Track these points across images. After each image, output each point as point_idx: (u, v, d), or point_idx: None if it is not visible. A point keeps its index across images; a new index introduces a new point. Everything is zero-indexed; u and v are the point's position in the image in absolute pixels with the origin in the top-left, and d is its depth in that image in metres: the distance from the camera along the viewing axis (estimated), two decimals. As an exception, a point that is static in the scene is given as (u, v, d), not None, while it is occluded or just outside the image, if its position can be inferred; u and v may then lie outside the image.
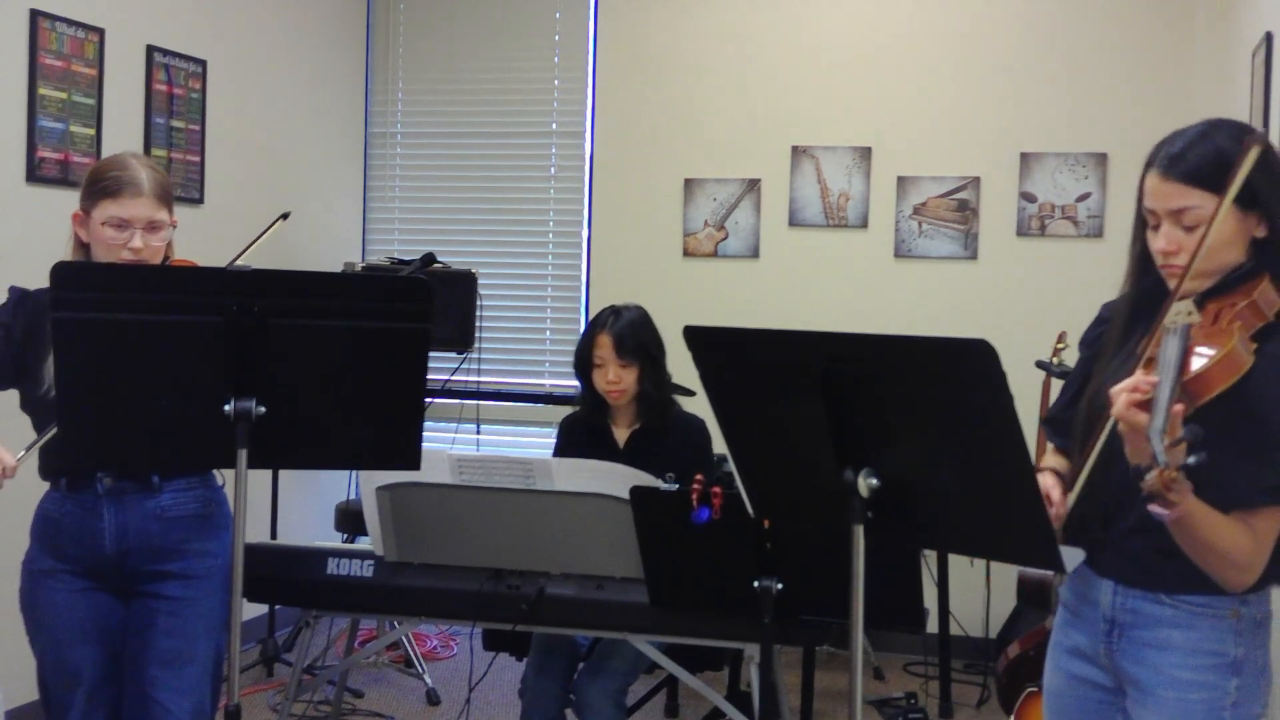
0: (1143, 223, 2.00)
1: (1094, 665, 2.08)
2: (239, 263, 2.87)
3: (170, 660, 2.57)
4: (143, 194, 2.51)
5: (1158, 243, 1.95)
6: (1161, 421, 1.66)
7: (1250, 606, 1.95)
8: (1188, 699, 1.95)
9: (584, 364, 3.43)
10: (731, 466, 2.15)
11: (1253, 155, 1.83)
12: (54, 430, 2.37)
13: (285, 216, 3.11)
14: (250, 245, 2.99)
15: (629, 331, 3.37)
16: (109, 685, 2.60)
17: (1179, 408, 1.69)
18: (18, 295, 2.61)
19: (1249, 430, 1.78)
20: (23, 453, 2.42)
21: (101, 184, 2.52)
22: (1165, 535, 1.85)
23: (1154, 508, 1.70)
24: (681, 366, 3.49)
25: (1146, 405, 1.72)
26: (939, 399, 1.80)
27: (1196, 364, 1.77)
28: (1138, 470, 1.69)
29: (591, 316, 3.58)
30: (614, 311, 3.43)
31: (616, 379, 3.36)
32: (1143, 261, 2.03)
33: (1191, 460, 1.64)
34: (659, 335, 3.43)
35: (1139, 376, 1.77)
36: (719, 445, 2.35)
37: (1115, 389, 1.79)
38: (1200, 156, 1.89)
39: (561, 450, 3.52)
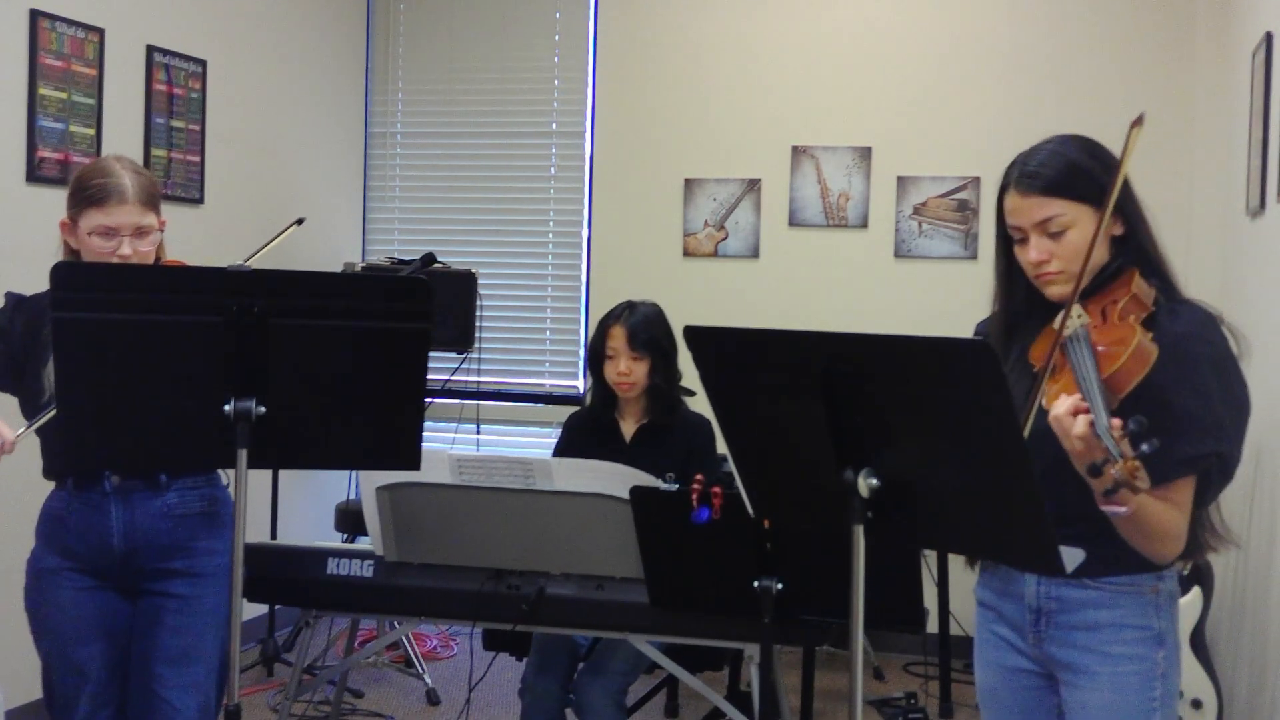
0: (1005, 242, 2.15)
1: (1023, 655, 2.14)
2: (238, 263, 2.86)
3: (176, 658, 2.57)
4: (127, 201, 2.50)
5: (1029, 255, 2.08)
6: (1105, 420, 1.77)
7: (1165, 581, 2.06)
8: (1122, 672, 2.04)
9: (596, 356, 3.44)
10: (731, 466, 2.15)
11: (1126, 168, 1.96)
12: (53, 411, 2.36)
13: (300, 222, 3.09)
14: (264, 248, 2.95)
15: (642, 325, 3.39)
16: (114, 683, 2.60)
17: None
18: (15, 300, 2.61)
19: (1156, 413, 1.82)
20: (23, 430, 2.42)
21: (86, 192, 2.50)
22: (1081, 524, 1.95)
23: (1109, 506, 1.80)
24: (682, 367, 3.51)
25: (1087, 412, 1.81)
26: (939, 399, 1.80)
27: (1109, 362, 1.87)
28: (1093, 468, 1.76)
29: (592, 316, 3.58)
30: (629, 306, 3.46)
31: (627, 370, 3.37)
32: (1008, 279, 2.18)
33: (1145, 448, 1.72)
34: (672, 333, 3.45)
35: (1075, 397, 1.84)
36: (722, 446, 2.35)
37: (1055, 415, 1.85)
38: (1054, 170, 2.06)
39: (563, 446, 3.53)
